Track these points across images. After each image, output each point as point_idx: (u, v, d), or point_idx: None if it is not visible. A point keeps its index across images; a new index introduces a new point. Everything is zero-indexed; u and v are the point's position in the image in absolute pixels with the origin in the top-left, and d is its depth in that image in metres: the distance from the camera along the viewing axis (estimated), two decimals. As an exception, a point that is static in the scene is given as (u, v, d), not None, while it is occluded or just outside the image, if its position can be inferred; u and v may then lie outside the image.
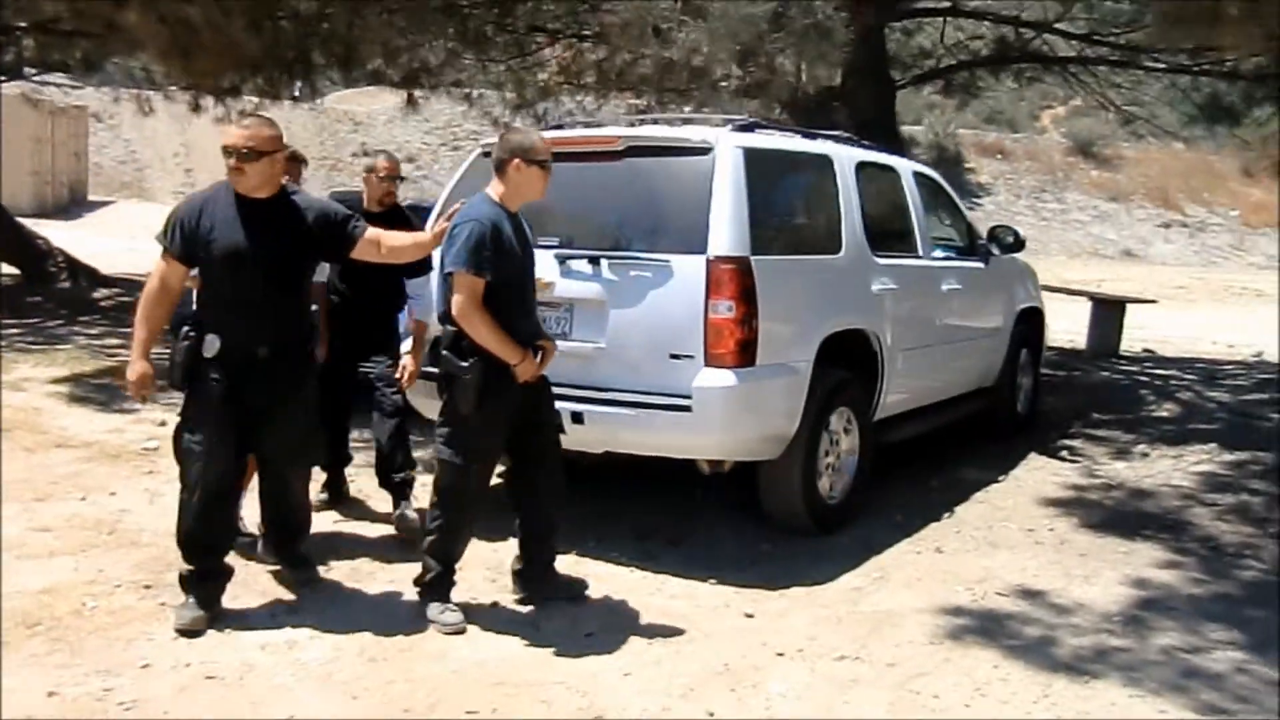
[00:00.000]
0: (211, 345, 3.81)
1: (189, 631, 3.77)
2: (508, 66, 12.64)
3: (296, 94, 10.35)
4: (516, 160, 3.94)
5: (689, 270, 4.53)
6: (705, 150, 4.72)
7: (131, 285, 13.10)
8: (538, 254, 4.34)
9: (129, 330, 10.05)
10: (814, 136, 5.59)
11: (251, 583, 4.24)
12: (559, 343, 4.48)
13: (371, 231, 4.02)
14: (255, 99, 9.73)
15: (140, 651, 3.65)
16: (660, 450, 4.75)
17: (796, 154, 5.29)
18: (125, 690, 3.37)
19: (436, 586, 4.06)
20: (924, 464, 6.42)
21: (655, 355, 4.54)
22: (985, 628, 4.19)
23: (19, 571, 4.27)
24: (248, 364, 3.85)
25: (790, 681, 3.68)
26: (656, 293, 4.57)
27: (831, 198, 5.34)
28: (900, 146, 9.90)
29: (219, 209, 3.83)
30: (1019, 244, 6.85)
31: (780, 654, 3.90)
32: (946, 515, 5.62)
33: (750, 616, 4.25)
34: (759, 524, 5.22)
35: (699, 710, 3.45)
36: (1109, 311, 11.89)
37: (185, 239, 3.81)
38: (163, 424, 6.72)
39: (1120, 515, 5.69)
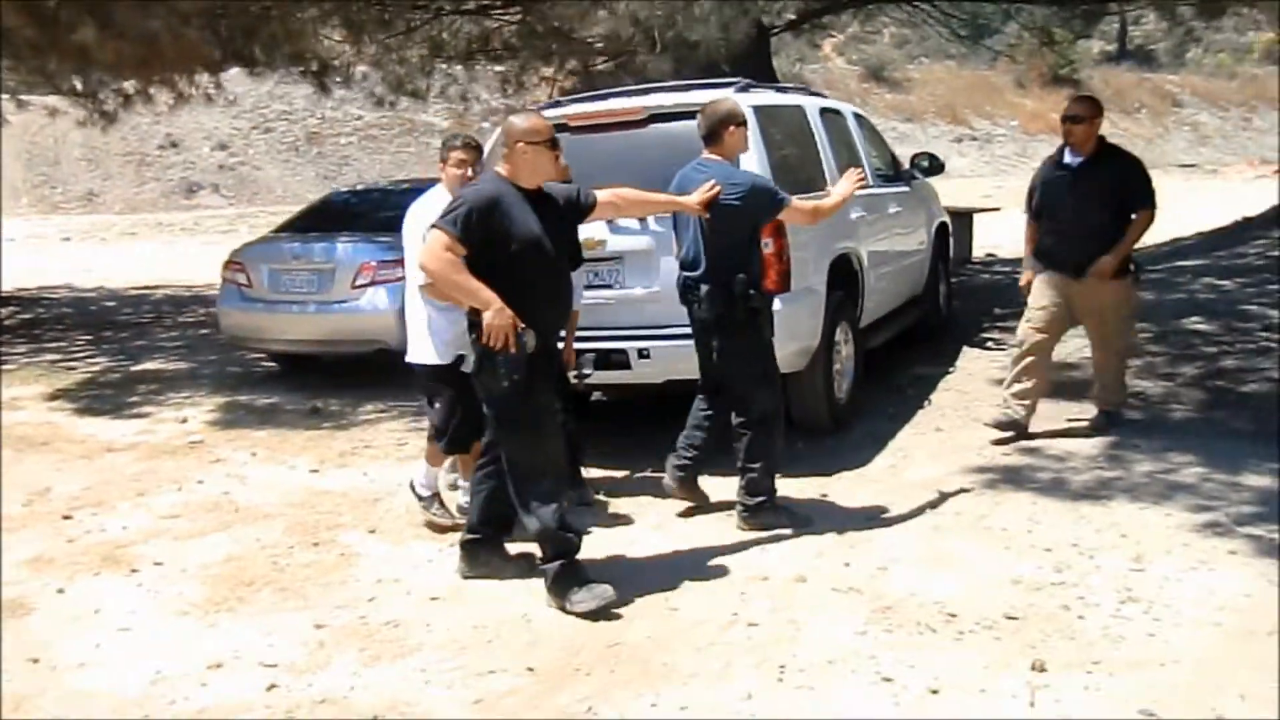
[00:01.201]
0: (532, 341, 3.87)
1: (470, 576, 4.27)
2: (382, 45, 12.93)
3: (209, 91, 10.38)
4: (730, 126, 4.69)
5: (729, 215, 5.27)
6: (724, 111, 5.45)
7: (27, 302, 12.83)
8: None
9: (57, 344, 10.20)
10: (785, 90, 6.40)
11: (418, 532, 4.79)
12: (612, 293, 5.25)
13: (603, 193, 4.28)
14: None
15: (356, 590, 4.22)
16: (717, 373, 5.50)
17: (786, 107, 6.10)
18: (377, 615, 3.96)
19: (773, 500, 4.77)
20: (882, 369, 7.39)
21: (705, 291, 5.26)
22: (1009, 478, 5.19)
23: (187, 550, 4.72)
24: (546, 355, 4.03)
25: (892, 537, 4.55)
26: (701, 237, 5.28)
27: (811, 141, 6.18)
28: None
29: (512, 202, 3.92)
30: (937, 167, 7.88)
31: (869, 519, 4.79)
32: (927, 404, 6.62)
33: (825, 496, 5.12)
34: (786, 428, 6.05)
35: (837, 564, 4.28)
36: (960, 222, 13.22)
37: (480, 228, 3.83)
38: (184, 420, 7.08)
39: (1060, 385, 6.75)
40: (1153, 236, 12.99)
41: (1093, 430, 5.80)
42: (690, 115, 5.50)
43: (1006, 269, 11.51)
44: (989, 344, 8.05)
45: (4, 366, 9.01)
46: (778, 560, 4.35)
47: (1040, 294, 5.76)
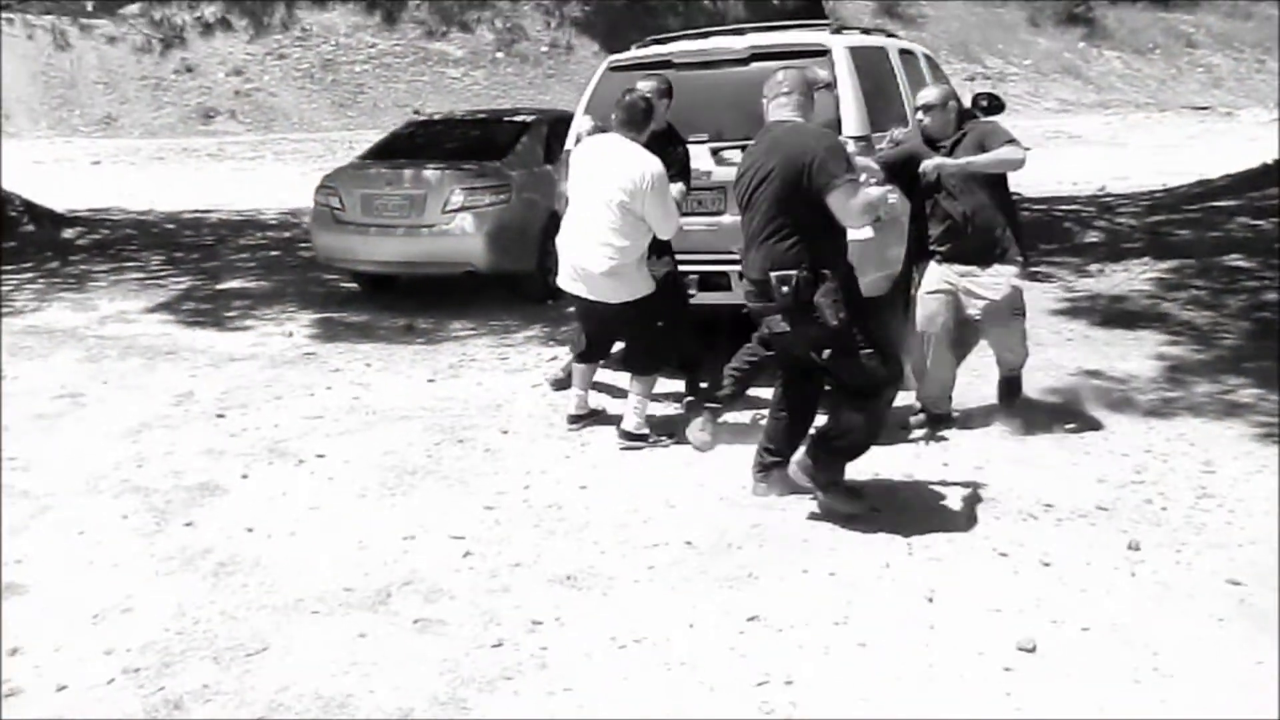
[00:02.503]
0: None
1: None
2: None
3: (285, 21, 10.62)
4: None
5: (826, 148, 5.69)
6: (823, 51, 5.85)
7: (93, 223, 13.19)
8: (692, 149, 5.62)
9: (134, 263, 10.59)
10: (868, 32, 6.78)
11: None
12: (716, 219, 5.70)
13: None
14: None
15: (509, 479, 4.72)
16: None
17: (871, 48, 6.49)
18: (538, 499, 4.49)
19: None
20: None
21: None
22: (1080, 396, 5.67)
23: (342, 445, 5.21)
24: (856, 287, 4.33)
25: (982, 442, 5.06)
26: (801, 169, 5.71)
27: (892, 79, 6.57)
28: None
29: None
30: (997, 106, 8.24)
31: (959, 427, 5.29)
32: (992, 329, 7.08)
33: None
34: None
35: (936, 465, 4.80)
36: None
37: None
38: (290, 335, 7.53)
39: (1113, 315, 7.28)
40: (1178, 177, 13.46)
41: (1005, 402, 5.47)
42: (789, 54, 5.92)
43: (1042, 207, 11.91)
44: (1038, 276, 8.51)
45: (94, 283, 9.44)
46: (880, 459, 4.85)
47: (933, 279, 5.35)
